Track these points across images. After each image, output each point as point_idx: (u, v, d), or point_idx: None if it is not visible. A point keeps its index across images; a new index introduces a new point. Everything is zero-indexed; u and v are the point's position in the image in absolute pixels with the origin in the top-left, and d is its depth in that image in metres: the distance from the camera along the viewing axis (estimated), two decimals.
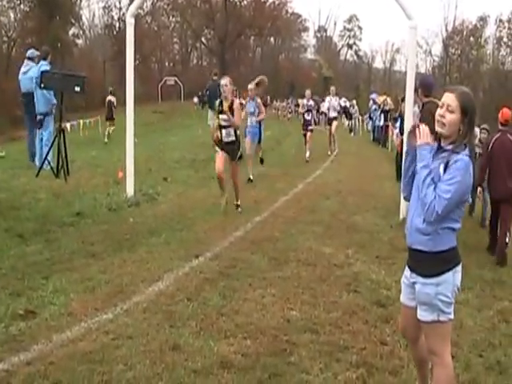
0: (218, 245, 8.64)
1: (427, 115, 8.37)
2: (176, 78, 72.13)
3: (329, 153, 24.25)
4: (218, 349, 5.23)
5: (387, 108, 30.52)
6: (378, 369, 5.08)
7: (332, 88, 26.66)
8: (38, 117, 14.36)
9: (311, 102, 22.13)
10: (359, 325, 6.05)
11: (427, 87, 8.65)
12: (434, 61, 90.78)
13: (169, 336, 5.45)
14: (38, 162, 14.02)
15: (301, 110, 23.64)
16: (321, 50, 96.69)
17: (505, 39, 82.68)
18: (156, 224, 9.84)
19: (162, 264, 7.63)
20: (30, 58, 15.16)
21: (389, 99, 31.61)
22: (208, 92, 23.67)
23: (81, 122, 32.22)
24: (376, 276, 7.71)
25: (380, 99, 34.25)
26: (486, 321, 6.67)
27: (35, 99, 14.33)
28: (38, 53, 15.08)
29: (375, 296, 6.94)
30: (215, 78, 22.68)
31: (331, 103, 25.18)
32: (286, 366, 5.00)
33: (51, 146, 13.52)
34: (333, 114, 25.26)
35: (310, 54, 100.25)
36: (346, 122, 46.81)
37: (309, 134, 21.08)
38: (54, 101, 14.34)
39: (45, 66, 14.21)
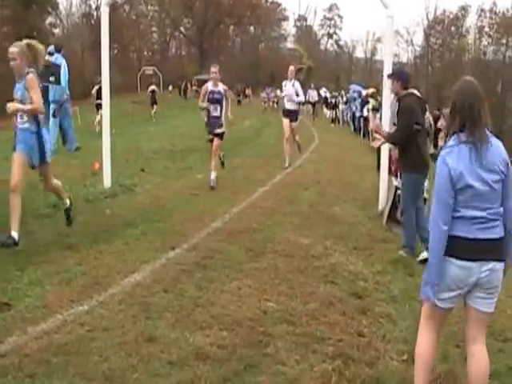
0: (195, 236, 8.66)
1: (408, 108, 8.43)
2: (155, 68, 71.74)
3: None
4: (194, 340, 5.26)
5: (367, 99, 30.55)
6: (354, 360, 5.13)
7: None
8: (52, 106, 16.28)
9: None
10: (336, 316, 6.10)
11: (405, 79, 8.67)
12: (415, 50, 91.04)
13: (144, 328, 5.47)
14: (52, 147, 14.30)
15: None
16: (301, 40, 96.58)
17: (486, 29, 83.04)
18: (133, 215, 9.82)
19: (138, 255, 7.63)
20: (50, 54, 16.58)
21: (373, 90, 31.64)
22: None
23: None
24: (354, 267, 7.76)
25: (369, 91, 34.26)
26: (463, 311, 6.73)
27: (51, 90, 16.17)
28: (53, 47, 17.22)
29: (352, 287, 7.00)
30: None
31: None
32: (262, 358, 5.05)
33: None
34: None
35: (290, 44, 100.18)
36: (327, 113, 46.90)
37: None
38: (68, 91, 16.76)
39: (60, 58, 16.47)
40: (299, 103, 17.57)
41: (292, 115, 16.70)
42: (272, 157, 18.98)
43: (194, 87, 63.10)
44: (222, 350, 5.13)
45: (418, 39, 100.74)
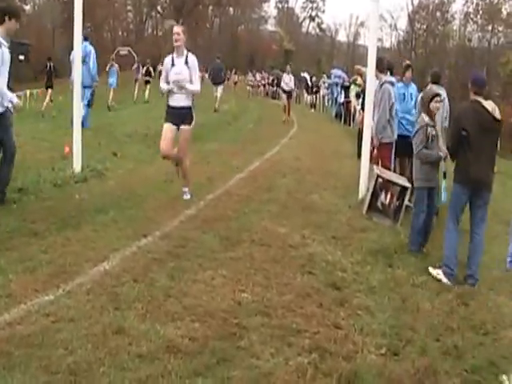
0: (167, 224, 8.54)
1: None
2: (129, 49, 71.13)
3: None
4: (165, 332, 5.18)
5: (347, 84, 30.58)
6: (331, 354, 5.09)
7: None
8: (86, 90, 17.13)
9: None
10: (313, 308, 6.07)
11: (478, 85, 8.25)
12: (399, 35, 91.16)
13: (113, 319, 5.37)
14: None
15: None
16: (282, 22, 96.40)
17: (472, 15, 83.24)
18: (103, 201, 9.67)
19: (108, 243, 7.52)
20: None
21: (360, 79, 31.62)
22: (212, 71, 30.97)
23: (27, 92, 31.55)
24: (332, 257, 7.74)
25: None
26: (445, 304, 6.76)
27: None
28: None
29: (330, 278, 6.97)
30: (218, 60, 30.90)
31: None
32: (236, 351, 4.98)
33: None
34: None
35: (270, 26, 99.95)
36: (308, 98, 46.85)
37: None
38: (97, 78, 18.15)
39: (89, 46, 17.61)
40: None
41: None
42: (250, 143, 18.92)
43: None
44: (193, 342, 5.06)
45: (402, 24, 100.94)
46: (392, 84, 10.89)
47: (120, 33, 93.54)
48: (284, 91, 29.75)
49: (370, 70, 10.99)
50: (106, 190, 10.61)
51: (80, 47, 11.91)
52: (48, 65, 26.61)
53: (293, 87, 29.79)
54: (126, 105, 32.26)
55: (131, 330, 5.18)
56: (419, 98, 10.17)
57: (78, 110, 11.92)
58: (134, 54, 68.54)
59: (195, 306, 5.80)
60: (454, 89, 49.79)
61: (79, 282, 6.21)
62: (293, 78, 29.39)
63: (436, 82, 11.84)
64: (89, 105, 18.02)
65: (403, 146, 11.39)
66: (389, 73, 11.22)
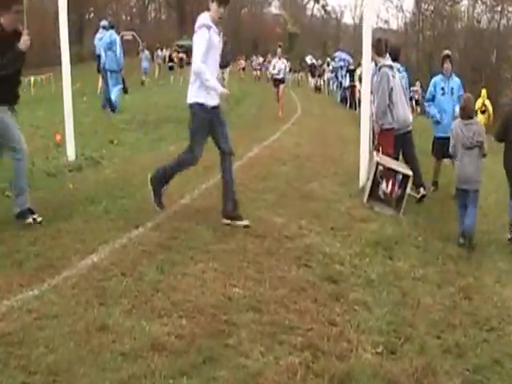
0: (160, 214, 8.37)
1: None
2: (134, 33, 70.79)
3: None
4: (150, 329, 5.04)
5: (353, 67, 30.42)
6: (324, 352, 4.94)
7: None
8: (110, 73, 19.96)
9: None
10: (307, 303, 5.91)
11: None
12: (405, 17, 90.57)
13: (97, 315, 5.24)
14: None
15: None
16: (286, 5, 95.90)
17: None
18: (97, 191, 9.57)
19: (98, 235, 7.39)
20: (104, 27, 22.33)
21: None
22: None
23: (31, 78, 31.39)
24: (329, 249, 7.59)
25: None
26: (447, 298, 6.62)
27: (106, 59, 20.03)
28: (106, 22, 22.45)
29: (327, 271, 6.82)
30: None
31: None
32: (224, 349, 4.84)
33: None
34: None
35: (274, 9, 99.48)
36: (312, 81, 46.72)
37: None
38: (122, 61, 20.07)
39: (114, 34, 20.27)
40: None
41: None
42: (251, 129, 18.77)
43: (179, 54, 60.21)
44: (180, 340, 4.92)
45: (409, 5, 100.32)
46: (391, 68, 10.59)
47: (124, 17, 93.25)
48: (273, 78, 25.39)
49: (366, 52, 10.73)
50: (100, 179, 10.52)
51: (66, 29, 11.74)
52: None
53: (282, 74, 24.79)
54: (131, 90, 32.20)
55: (115, 327, 5.05)
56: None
57: (68, 96, 11.75)
58: (139, 39, 68.30)
59: (184, 301, 5.66)
60: (464, 72, 49.24)
61: (66, 276, 6.10)
62: (285, 61, 25.68)
63: (396, 59, 11.24)
64: (123, 89, 21.11)
65: (440, 147, 11.27)
66: (389, 57, 10.82)
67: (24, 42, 7.61)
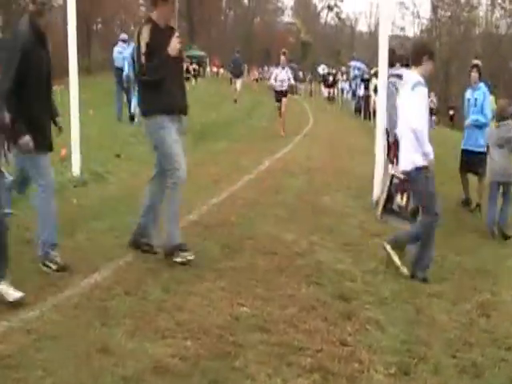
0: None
1: None
2: None
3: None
4: (154, 351, 4.99)
5: (367, 76, 30.38)
6: (334, 374, 4.87)
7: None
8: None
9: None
10: (317, 322, 5.85)
11: None
12: (422, 24, 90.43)
13: (99, 336, 5.20)
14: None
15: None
16: (299, 13, 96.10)
17: (499, 0, 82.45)
18: (101, 207, 9.57)
19: (101, 252, 7.37)
20: (123, 41, 21.64)
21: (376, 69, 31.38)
22: (232, 64, 35.93)
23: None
24: (341, 266, 7.54)
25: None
26: (463, 316, 6.51)
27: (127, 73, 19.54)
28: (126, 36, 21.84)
29: (338, 289, 6.75)
30: (237, 55, 35.30)
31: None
32: (229, 372, 4.78)
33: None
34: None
35: (287, 17, 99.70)
36: (325, 92, 46.69)
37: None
38: None
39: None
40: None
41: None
42: (262, 141, 18.75)
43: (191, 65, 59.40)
44: (184, 362, 4.86)
45: (425, 11, 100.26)
46: (399, 77, 10.51)
47: (132, 27, 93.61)
48: (275, 91, 22.41)
49: (382, 61, 10.70)
50: (105, 195, 10.50)
51: (75, 40, 12.08)
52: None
53: (286, 86, 21.95)
54: None
55: (117, 349, 5.00)
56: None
57: (76, 108, 11.76)
58: None
59: (189, 321, 5.62)
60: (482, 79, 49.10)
61: (67, 295, 6.08)
62: (289, 71, 22.88)
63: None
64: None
65: (468, 161, 11.19)
66: (399, 66, 10.70)
67: (174, 44, 6.96)
